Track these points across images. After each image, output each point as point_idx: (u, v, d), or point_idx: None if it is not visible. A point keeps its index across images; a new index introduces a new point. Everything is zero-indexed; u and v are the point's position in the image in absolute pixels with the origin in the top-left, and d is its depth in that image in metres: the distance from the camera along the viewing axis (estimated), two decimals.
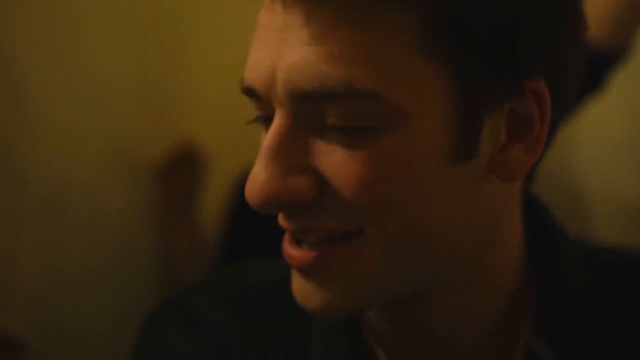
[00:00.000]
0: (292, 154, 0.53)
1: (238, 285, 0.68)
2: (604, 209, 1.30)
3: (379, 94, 0.50)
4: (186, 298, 0.69)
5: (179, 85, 1.59)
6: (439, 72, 0.51)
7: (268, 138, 0.53)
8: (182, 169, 1.56)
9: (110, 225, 1.35)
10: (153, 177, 1.53)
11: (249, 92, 0.55)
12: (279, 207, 0.54)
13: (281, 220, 0.56)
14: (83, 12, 1.30)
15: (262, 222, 1.49)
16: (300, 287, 0.57)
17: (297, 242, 0.56)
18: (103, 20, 1.34)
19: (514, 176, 0.55)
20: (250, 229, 1.52)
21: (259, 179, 0.52)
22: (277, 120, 0.53)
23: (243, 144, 1.62)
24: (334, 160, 0.52)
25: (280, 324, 0.65)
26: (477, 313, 0.61)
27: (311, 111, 0.52)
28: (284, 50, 0.52)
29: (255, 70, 0.54)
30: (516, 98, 0.53)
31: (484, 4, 0.51)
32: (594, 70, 0.95)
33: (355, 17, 0.50)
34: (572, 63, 0.56)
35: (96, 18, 1.33)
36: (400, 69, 0.50)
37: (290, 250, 0.56)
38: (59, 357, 1.20)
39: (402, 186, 0.52)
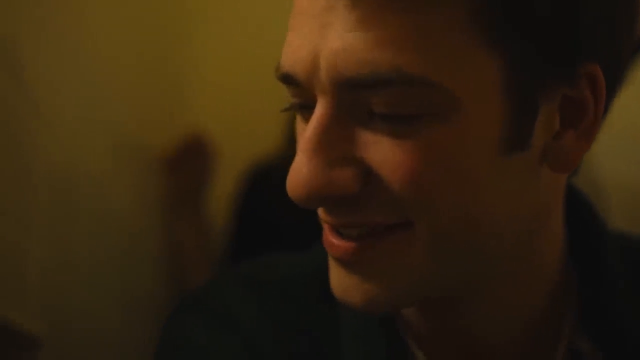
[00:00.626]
0: (336, 144, 0.50)
1: (265, 280, 0.66)
2: (620, 199, 1.28)
3: (431, 79, 0.48)
4: (212, 294, 0.66)
5: (187, 76, 1.58)
6: (493, 57, 0.49)
7: (310, 128, 0.50)
8: (190, 161, 1.55)
9: (118, 218, 1.34)
10: (161, 169, 1.52)
11: (287, 79, 0.52)
12: (323, 202, 0.51)
13: (322, 214, 0.54)
14: (90, 2, 1.29)
15: (270, 216, 1.50)
16: (341, 281, 0.54)
17: (339, 233, 0.53)
18: (110, 11, 1.33)
19: (568, 166, 0.53)
20: (259, 223, 1.52)
21: (302, 172, 0.50)
22: (320, 109, 0.50)
23: (252, 136, 1.62)
24: (381, 151, 0.50)
25: (309, 320, 0.63)
26: (519, 307, 0.59)
27: (356, 99, 0.50)
28: (326, 35, 0.49)
29: (294, 56, 0.51)
30: (571, 83, 0.51)
31: None
32: None
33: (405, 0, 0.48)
34: (626, 50, 0.54)
35: (103, 9, 1.32)
36: (453, 54, 0.48)
37: (332, 239, 0.53)
38: (68, 352, 1.19)
39: (452, 177, 0.50)
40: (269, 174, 1.53)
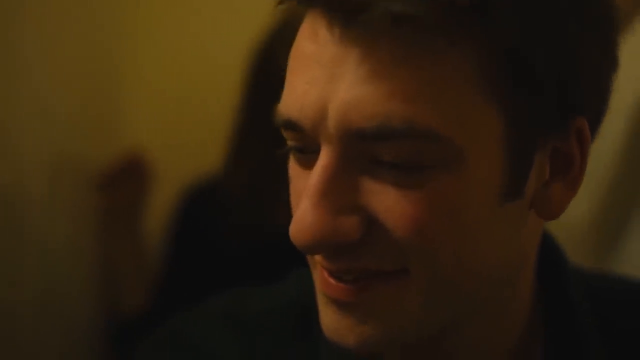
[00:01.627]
0: (340, 193, 0.51)
1: (238, 315, 0.66)
2: (552, 230, 1.28)
3: (439, 132, 0.49)
4: (185, 329, 0.66)
5: (124, 93, 1.56)
6: (496, 111, 0.50)
7: (315, 176, 0.51)
8: (126, 180, 1.52)
9: (53, 237, 1.31)
10: (96, 187, 1.49)
11: (290, 125, 0.53)
12: (325, 249, 0.52)
13: (319, 259, 0.54)
14: (21, 16, 1.26)
15: (209, 236, 1.47)
16: (334, 321, 0.55)
17: (334, 276, 0.54)
18: (44, 25, 1.30)
19: (555, 213, 0.55)
20: (196, 243, 1.49)
21: (307, 220, 0.50)
22: (325, 158, 0.51)
23: (190, 154, 1.60)
24: (386, 200, 0.51)
25: (286, 356, 0.64)
26: (497, 342, 0.61)
27: (362, 148, 0.50)
28: (337, 86, 0.50)
29: (299, 104, 0.51)
30: (561, 137, 0.53)
31: (543, 40, 0.51)
32: None
33: (417, 53, 0.49)
34: (609, 98, 0.57)
35: (39, 25, 1.29)
36: (460, 107, 0.49)
37: (330, 280, 0.54)
38: None
39: (454, 226, 0.51)
40: (207, 194, 1.51)
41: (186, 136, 1.63)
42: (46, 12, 1.26)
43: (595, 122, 0.57)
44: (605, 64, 0.56)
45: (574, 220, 1.26)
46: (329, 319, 0.55)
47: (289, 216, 0.54)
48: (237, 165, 1.45)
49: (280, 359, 0.63)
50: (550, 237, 0.66)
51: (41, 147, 1.29)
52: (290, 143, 0.55)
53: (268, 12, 1.46)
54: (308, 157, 0.53)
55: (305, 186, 0.51)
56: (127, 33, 1.51)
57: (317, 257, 0.55)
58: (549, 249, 0.65)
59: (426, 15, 0.47)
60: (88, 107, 1.45)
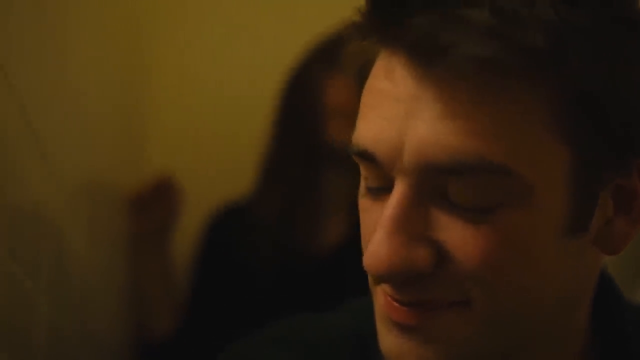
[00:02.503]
0: (414, 224, 0.53)
1: (298, 341, 0.68)
2: None
3: (510, 167, 0.51)
4: (247, 354, 0.68)
5: (154, 117, 1.57)
6: (564, 150, 0.53)
7: (390, 208, 0.53)
8: (156, 203, 1.53)
9: (79, 260, 1.31)
10: (127, 210, 1.50)
11: (366, 156, 0.55)
12: (398, 278, 0.54)
13: (386, 288, 0.56)
14: (69, 46, 1.27)
15: (233, 263, 1.47)
16: (396, 345, 0.57)
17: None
18: (88, 53, 1.31)
19: (617, 249, 0.57)
20: (224, 267, 1.49)
21: (382, 251, 0.52)
22: (400, 190, 0.53)
23: (218, 179, 1.61)
24: (457, 233, 0.53)
25: None
26: None
27: (436, 182, 0.52)
28: (413, 122, 0.52)
29: (376, 138, 0.54)
30: (625, 174, 0.55)
31: (614, 84, 0.53)
32: None
33: (494, 94, 0.51)
34: None
35: (82, 52, 1.30)
36: (531, 144, 0.52)
37: (395, 304, 0.56)
38: None
39: (521, 259, 0.53)
40: (235, 217, 1.51)
41: (215, 161, 1.64)
42: (89, 39, 1.28)
43: None
44: None
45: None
46: (391, 342, 0.57)
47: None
48: (269, 189, 1.46)
49: None
50: (604, 270, 0.66)
51: (78, 170, 1.29)
52: (366, 183, 0.57)
53: (302, 38, 1.48)
54: (380, 191, 0.56)
55: (379, 218, 0.54)
56: (160, 59, 1.53)
57: (385, 288, 0.56)
58: (605, 282, 0.66)
59: (506, 59, 0.50)
60: (119, 132, 1.46)
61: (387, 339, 0.57)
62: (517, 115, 0.51)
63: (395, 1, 0.52)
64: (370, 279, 0.59)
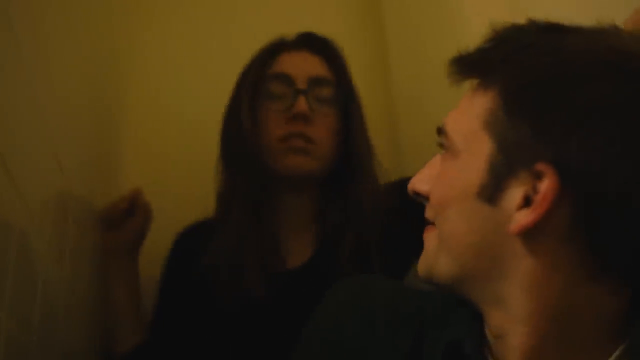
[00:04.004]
0: (431, 166, 0.90)
1: (397, 286, 1.00)
2: None
3: (453, 137, 0.84)
4: (371, 285, 0.99)
5: (123, 138, 1.57)
6: (487, 137, 0.80)
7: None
8: (126, 219, 1.54)
9: (45, 275, 1.31)
10: (97, 226, 1.50)
11: (440, 131, 0.89)
12: (415, 194, 0.91)
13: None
14: (32, 63, 1.28)
15: (194, 280, 1.47)
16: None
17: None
18: (53, 71, 1.32)
19: (517, 229, 0.77)
20: (183, 286, 1.49)
21: (412, 179, 0.91)
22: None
23: (187, 200, 1.61)
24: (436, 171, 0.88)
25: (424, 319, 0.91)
26: None
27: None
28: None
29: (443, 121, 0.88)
30: (531, 173, 0.76)
31: (535, 104, 0.78)
32: None
33: (469, 96, 0.85)
34: None
35: (45, 69, 1.31)
36: (468, 126, 0.82)
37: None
38: None
39: (451, 196, 0.82)
40: (200, 235, 1.52)
41: (187, 179, 1.64)
42: (59, 57, 1.29)
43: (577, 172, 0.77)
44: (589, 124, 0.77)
45: None
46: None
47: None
48: (224, 219, 1.47)
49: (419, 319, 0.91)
50: None
51: (45, 188, 1.30)
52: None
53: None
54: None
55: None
56: (128, 83, 1.53)
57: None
58: None
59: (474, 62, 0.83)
60: (90, 148, 1.47)
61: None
62: (470, 106, 0.82)
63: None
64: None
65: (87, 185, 1.45)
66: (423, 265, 0.86)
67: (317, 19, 1.92)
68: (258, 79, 1.46)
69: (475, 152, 0.80)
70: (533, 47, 0.77)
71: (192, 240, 1.53)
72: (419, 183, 0.88)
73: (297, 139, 1.42)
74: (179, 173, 1.68)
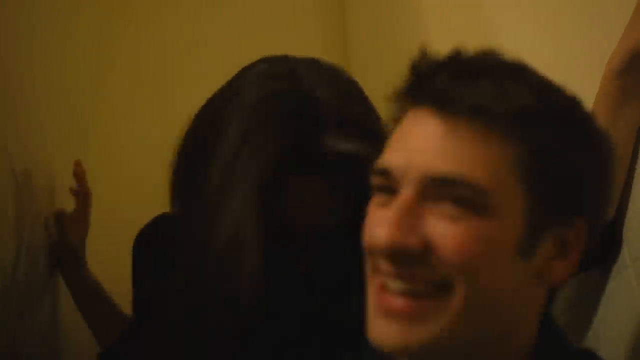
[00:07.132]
0: (411, 219, 0.71)
1: None
2: None
3: (484, 188, 0.70)
4: None
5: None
6: (520, 187, 0.71)
7: (396, 205, 0.71)
8: (78, 213, 1.51)
9: (3, 277, 1.29)
10: (51, 223, 1.48)
11: (382, 172, 0.75)
12: (393, 253, 0.70)
13: (385, 266, 0.71)
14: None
15: (160, 278, 1.44)
16: (384, 329, 0.71)
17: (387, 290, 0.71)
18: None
19: (554, 284, 0.75)
20: (149, 287, 1.47)
21: (383, 233, 0.70)
22: (406, 194, 0.72)
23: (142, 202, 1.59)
24: (441, 228, 0.70)
25: None
26: None
27: (433, 190, 0.71)
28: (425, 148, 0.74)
29: (394, 159, 0.74)
30: (566, 225, 0.74)
31: (559, 154, 0.72)
32: None
33: (482, 136, 0.71)
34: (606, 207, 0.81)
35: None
36: (497, 177, 0.71)
37: (391, 300, 0.71)
38: None
39: (487, 256, 0.70)
40: (163, 227, 1.49)
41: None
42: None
43: (596, 224, 0.76)
44: (603, 179, 0.76)
45: None
46: (379, 328, 0.71)
47: None
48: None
49: None
50: (549, 314, 0.81)
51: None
52: (377, 188, 0.75)
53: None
54: (387, 200, 0.73)
55: (384, 216, 0.71)
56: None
57: (384, 267, 0.71)
58: (550, 326, 0.79)
59: (495, 110, 0.71)
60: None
61: (376, 325, 0.72)
62: (494, 155, 0.70)
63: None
64: (369, 264, 0.74)
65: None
66: (414, 335, 0.70)
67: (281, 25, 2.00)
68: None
69: (510, 205, 0.71)
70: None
71: (155, 236, 1.50)
72: (409, 236, 0.70)
73: None
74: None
